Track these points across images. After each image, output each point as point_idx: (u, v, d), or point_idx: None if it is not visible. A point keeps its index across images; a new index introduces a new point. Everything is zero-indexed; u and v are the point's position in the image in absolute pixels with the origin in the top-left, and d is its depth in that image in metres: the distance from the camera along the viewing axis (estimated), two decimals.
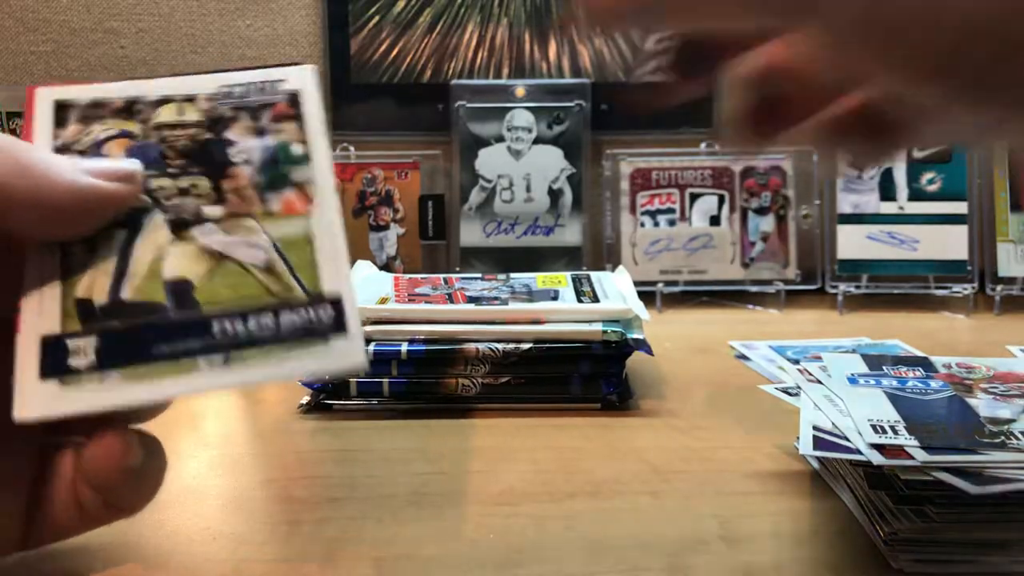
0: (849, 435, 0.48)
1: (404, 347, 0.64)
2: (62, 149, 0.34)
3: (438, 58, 1.13)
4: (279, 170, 0.35)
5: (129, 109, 0.36)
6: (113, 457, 0.33)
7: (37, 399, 0.31)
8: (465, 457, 0.56)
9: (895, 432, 0.47)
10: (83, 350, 0.31)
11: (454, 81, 1.11)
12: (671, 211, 1.06)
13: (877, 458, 0.44)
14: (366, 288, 0.74)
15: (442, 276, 0.80)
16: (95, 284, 0.32)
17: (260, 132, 0.36)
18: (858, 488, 0.46)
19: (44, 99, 0.35)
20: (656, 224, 1.06)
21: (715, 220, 1.06)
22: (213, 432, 0.62)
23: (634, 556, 0.44)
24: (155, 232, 0.34)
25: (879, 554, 0.43)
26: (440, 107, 1.12)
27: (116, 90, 0.36)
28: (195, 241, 0.34)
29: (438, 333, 0.65)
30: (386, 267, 1.06)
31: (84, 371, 0.31)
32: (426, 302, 0.70)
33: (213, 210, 0.34)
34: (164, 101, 0.36)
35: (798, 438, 0.50)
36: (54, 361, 0.31)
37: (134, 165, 0.34)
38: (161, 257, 0.33)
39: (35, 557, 0.37)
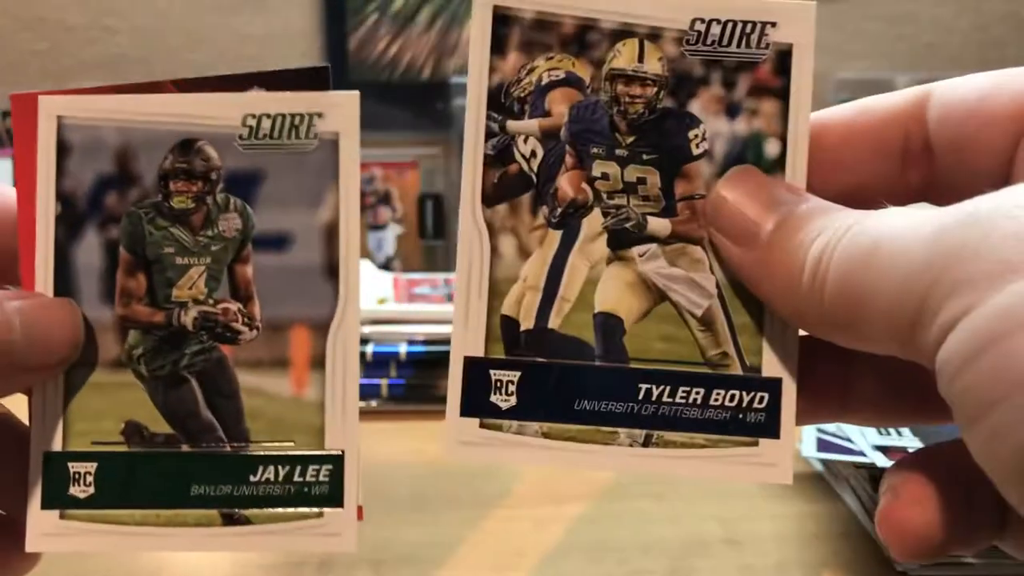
0: (853, 437, 0.47)
1: (403, 348, 0.64)
2: (498, 92, 0.27)
3: (437, 55, 1.12)
4: None
5: (581, 39, 0.27)
6: None
7: (456, 437, 0.26)
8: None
9: (899, 434, 0.47)
10: (506, 387, 0.26)
11: (454, 79, 1.11)
12: None
13: (881, 460, 0.44)
14: (364, 289, 0.73)
15: (441, 276, 0.80)
16: (524, 301, 0.27)
17: (731, 109, 0.27)
18: (862, 490, 0.46)
19: (481, 0, 0.27)
20: None
21: None
22: None
23: (636, 559, 0.43)
24: (592, 242, 0.27)
25: (883, 557, 0.42)
26: (440, 105, 1.11)
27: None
28: (633, 265, 0.27)
29: (437, 334, 0.64)
30: (385, 267, 1.05)
31: (505, 414, 0.26)
32: (425, 302, 0.70)
33: (659, 224, 0.27)
34: (624, 33, 0.27)
35: (801, 440, 0.49)
36: (476, 394, 0.26)
37: (71, 328, 0.26)
38: (594, 278, 0.27)
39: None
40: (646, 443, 0.26)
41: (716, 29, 0.26)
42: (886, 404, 0.27)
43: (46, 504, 0.26)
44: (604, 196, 0.27)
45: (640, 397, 0.26)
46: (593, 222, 0.27)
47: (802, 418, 0.26)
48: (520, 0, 0.27)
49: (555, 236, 0.27)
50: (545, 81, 0.27)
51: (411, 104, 1.12)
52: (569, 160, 0.27)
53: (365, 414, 0.67)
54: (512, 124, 0.27)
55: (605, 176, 0.27)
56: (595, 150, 0.27)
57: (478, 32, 0.26)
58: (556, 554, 0.44)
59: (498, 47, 0.27)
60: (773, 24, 0.26)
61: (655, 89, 0.27)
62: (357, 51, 1.10)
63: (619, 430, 0.26)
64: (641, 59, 0.27)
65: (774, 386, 0.26)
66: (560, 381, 0.26)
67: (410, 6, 1.11)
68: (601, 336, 0.27)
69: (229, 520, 0.26)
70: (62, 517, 0.26)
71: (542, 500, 0.50)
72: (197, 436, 0.27)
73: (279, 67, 0.28)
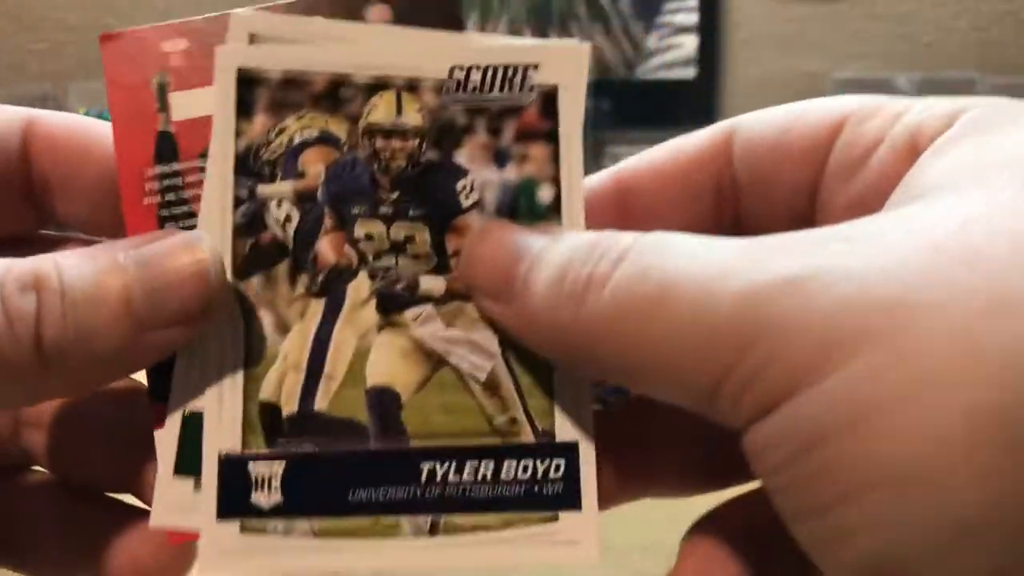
0: None
1: None
2: (246, 156, 0.25)
3: None
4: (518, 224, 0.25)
5: (334, 95, 0.25)
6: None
7: (215, 547, 0.24)
8: None
9: None
10: (268, 482, 0.24)
11: None
12: None
13: None
14: None
15: None
16: (284, 382, 0.25)
17: (499, 156, 0.25)
18: None
19: (224, 64, 0.25)
20: None
21: None
22: None
23: (635, 559, 0.43)
24: (359, 309, 0.25)
25: None
26: None
27: (315, 56, 0.25)
28: (407, 330, 0.25)
29: None
30: None
31: (268, 514, 0.24)
32: None
33: (432, 283, 0.25)
34: (378, 86, 0.25)
35: None
36: (235, 494, 0.24)
37: (205, 262, 0.23)
38: (365, 349, 0.25)
39: None
40: (432, 531, 0.24)
41: (476, 76, 0.25)
42: (697, 465, 0.25)
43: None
44: (370, 258, 0.25)
45: (423, 479, 0.24)
46: (359, 287, 0.25)
47: (607, 496, 0.24)
48: (266, 60, 0.25)
49: (318, 306, 0.25)
50: (297, 141, 0.25)
51: None
52: (328, 222, 0.25)
53: None
54: (263, 188, 0.25)
55: (369, 237, 0.25)
56: (356, 210, 0.25)
57: (221, 96, 0.25)
58: None
59: (244, 110, 0.25)
60: (535, 66, 0.25)
61: (416, 141, 0.25)
62: None
63: (401, 519, 0.24)
64: (399, 111, 0.25)
65: (570, 451, 0.24)
66: (330, 470, 0.24)
67: None
68: (376, 414, 0.25)
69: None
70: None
71: None
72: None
73: None
